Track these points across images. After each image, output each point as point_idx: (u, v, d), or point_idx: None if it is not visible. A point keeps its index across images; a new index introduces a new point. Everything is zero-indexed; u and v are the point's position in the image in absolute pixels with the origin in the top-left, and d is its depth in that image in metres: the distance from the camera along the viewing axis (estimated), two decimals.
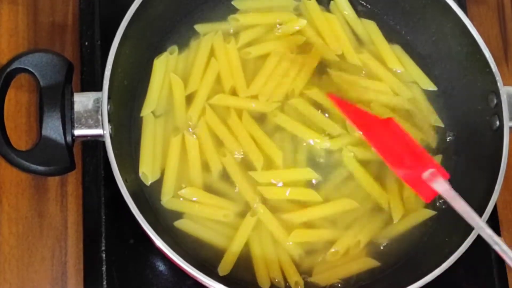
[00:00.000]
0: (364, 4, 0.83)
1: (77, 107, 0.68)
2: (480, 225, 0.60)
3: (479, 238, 0.67)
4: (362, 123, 0.67)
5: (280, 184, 0.74)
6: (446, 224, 0.75)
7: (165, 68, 0.77)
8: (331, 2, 0.82)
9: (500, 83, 0.72)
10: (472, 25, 0.74)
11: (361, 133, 0.69)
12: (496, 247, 0.58)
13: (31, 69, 0.69)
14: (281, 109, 0.77)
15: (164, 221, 0.73)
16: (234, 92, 0.77)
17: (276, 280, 0.72)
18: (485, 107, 0.74)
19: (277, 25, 0.80)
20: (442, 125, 0.79)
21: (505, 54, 0.89)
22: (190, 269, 0.65)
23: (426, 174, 0.61)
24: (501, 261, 0.79)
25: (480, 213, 0.68)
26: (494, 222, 0.80)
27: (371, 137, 0.66)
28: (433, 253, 0.73)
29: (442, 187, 0.61)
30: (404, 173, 0.62)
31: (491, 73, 0.72)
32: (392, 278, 0.73)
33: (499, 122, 0.72)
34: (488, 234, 0.59)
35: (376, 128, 0.66)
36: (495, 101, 0.72)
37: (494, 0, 0.91)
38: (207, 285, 0.66)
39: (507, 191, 0.82)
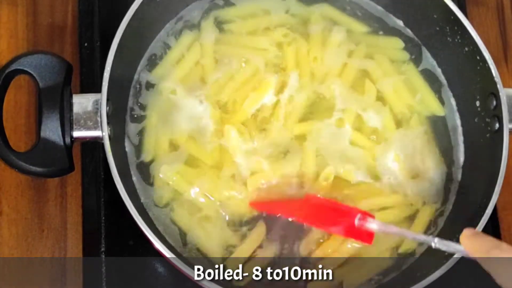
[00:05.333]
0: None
1: (76, 108, 0.68)
2: (414, 236, 0.69)
3: None
4: (287, 211, 0.73)
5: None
6: (446, 226, 0.75)
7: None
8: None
9: (499, 85, 0.72)
10: (471, 26, 0.74)
11: (290, 217, 0.74)
12: (434, 244, 0.62)
13: (30, 71, 0.68)
14: None
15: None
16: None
17: None
18: (484, 108, 0.74)
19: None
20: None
21: (505, 55, 0.89)
22: (189, 271, 0.65)
23: (357, 221, 0.67)
24: None
25: (480, 214, 0.69)
26: (494, 223, 0.80)
27: (300, 217, 0.72)
28: (433, 255, 0.73)
29: (373, 224, 0.67)
30: (341, 228, 0.69)
31: (490, 75, 0.72)
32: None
33: (499, 123, 0.72)
34: (423, 238, 0.65)
35: (301, 208, 0.72)
36: (494, 103, 0.72)
37: (494, 2, 0.91)
38: (205, 287, 0.66)
39: (507, 192, 0.82)
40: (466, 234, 0.59)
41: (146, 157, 0.74)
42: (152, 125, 0.75)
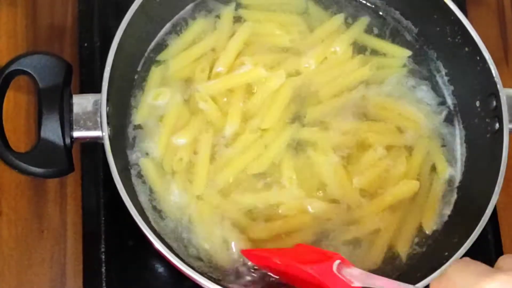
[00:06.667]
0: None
1: (76, 109, 0.68)
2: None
3: (479, 239, 0.68)
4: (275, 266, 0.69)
5: None
6: (446, 226, 0.75)
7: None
8: None
9: (499, 85, 0.72)
10: (471, 26, 0.74)
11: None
12: None
13: (30, 71, 0.68)
14: None
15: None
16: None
17: None
18: (484, 109, 0.74)
19: None
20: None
21: (505, 55, 0.89)
22: (189, 271, 0.65)
23: (335, 266, 0.62)
24: None
25: (480, 214, 0.69)
26: (493, 224, 0.80)
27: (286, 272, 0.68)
28: (433, 255, 0.73)
29: (354, 271, 0.62)
30: (316, 268, 0.64)
31: (490, 75, 0.72)
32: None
33: (499, 124, 0.72)
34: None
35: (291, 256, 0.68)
36: (494, 103, 0.72)
37: (494, 2, 0.91)
38: (205, 287, 0.65)
39: (507, 192, 0.82)
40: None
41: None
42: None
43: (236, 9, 0.80)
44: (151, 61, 0.77)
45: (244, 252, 0.71)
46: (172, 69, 0.77)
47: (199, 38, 0.78)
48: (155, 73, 0.77)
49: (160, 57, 0.77)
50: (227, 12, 0.79)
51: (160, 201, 0.73)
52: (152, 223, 0.71)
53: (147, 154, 0.74)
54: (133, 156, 0.74)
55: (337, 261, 0.63)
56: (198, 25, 0.79)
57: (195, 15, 0.79)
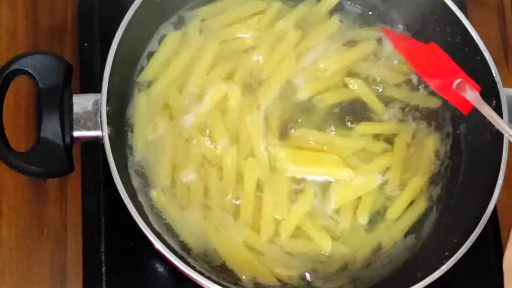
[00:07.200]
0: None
1: (76, 109, 0.68)
2: (504, 128, 0.68)
3: (479, 239, 0.68)
4: (407, 49, 0.78)
5: None
6: (446, 226, 0.75)
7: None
8: None
9: (500, 85, 0.72)
10: (471, 26, 0.74)
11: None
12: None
13: (30, 71, 0.68)
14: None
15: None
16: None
17: None
18: None
19: None
20: None
21: (505, 55, 0.89)
22: (189, 271, 0.65)
23: (455, 84, 0.71)
24: (501, 263, 0.79)
25: (481, 213, 0.69)
26: (494, 223, 0.80)
27: (412, 57, 0.77)
28: (433, 255, 0.72)
29: (471, 96, 0.71)
30: (437, 83, 0.73)
31: (491, 75, 0.72)
32: (392, 281, 0.73)
33: None
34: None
35: (417, 50, 0.77)
36: (494, 103, 0.72)
37: (495, 2, 0.91)
38: (205, 287, 0.65)
39: (506, 192, 0.82)
40: None
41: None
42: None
43: (201, 21, 0.79)
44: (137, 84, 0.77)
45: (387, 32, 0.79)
46: (154, 94, 0.75)
47: (173, 54, 0.77)
48: (141, 98, 0.75)
49: (140, 79, 0.76)
50: (193, 25, 0.78)
51: (174, 227, 0.73)
52: (152, 223, 0.72)
53: (155, 187, 0.73)
54: (133, 156, 0.74)
55: (459, 80, 0.71)
56: (170, 41, 0.78)
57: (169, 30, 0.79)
